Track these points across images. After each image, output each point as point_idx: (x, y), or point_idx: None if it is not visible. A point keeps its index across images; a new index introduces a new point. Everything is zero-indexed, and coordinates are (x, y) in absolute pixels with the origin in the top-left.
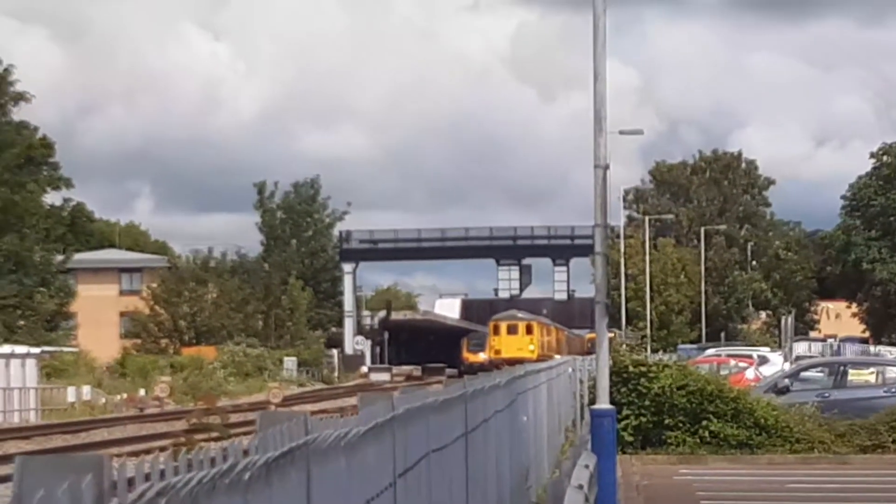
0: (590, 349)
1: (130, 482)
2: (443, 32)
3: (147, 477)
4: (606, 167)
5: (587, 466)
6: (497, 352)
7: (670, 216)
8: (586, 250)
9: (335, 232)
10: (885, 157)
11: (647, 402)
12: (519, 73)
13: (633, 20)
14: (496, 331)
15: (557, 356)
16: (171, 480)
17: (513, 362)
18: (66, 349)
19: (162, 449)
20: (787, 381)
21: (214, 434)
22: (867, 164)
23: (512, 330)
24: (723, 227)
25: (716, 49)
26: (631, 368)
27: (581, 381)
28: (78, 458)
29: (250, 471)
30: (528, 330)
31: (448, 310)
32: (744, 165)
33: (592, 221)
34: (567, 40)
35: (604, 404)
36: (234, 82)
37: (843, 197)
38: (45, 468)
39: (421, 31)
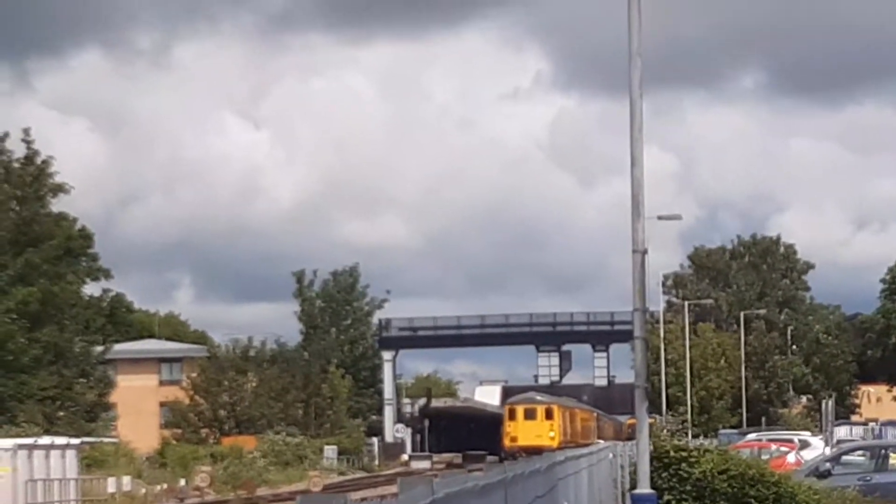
0: (630, 435)
1: None
2: (481, 120)
3: None
4: (645, 252)
5: None
6: (513, 439)
7: (710, 301)
8: (626, 336)
9: (374, 320)
10: None
11: (688, 487)
12: (558, 159)
13: (671, 106)
14: (512, 416)
15: (588, 443)
16: None
17: (531, 451)
18: (106, 440)
19: None
20: (828, 464)
21: None
22: None
23: (529, 415)
24: (762, 311)
25: (754, 134)
26: (672, 453)
27: (622, 467)
28: None
29: None
30: (548, 414)
31: (488, 397)
32: (782, 250)
33: (632, 307)
34: (605, 126)
35: (644, 489)
36: (273, 171)
37: (882, 280)
38: None
39: (459, 118)
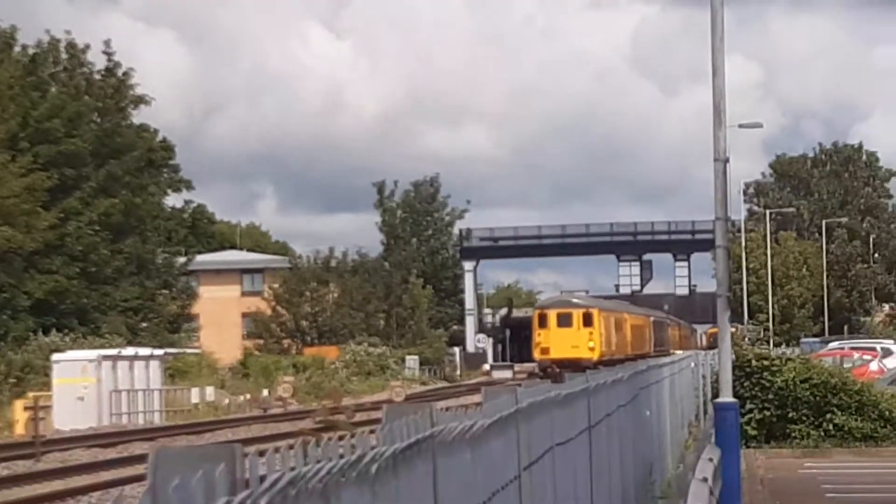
0: (711, 344)
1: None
2: (564, 30)
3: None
4: (726, 161)
5: (711, 460)
6: (544, 351)
7: (791, 210)
8: (707, 245)
9: (455, 230)
10: None
11: (770, 396)
12: (640, 68)
13: (755, 15)
14: (542, 322)
15: (643, 354)
16: (302, 470)
17: (565, 365)
18: (189, 351)
19: (290, 446)
20: None
21: (341, 432)
22: None
23: (564, 321)
24: (844, 219)
25: (838, 42)
26: (754, 362)
27: (703, 377)
28: (211, 448)
29: (378, 462)
30: (587, 321)
31: None
32: (864, 157)
33: (713, 216)
34: (688, 35)
35: (727, 398)
36: (356, 82)
37: None
38: (178, 459)
39: (542, 29)
